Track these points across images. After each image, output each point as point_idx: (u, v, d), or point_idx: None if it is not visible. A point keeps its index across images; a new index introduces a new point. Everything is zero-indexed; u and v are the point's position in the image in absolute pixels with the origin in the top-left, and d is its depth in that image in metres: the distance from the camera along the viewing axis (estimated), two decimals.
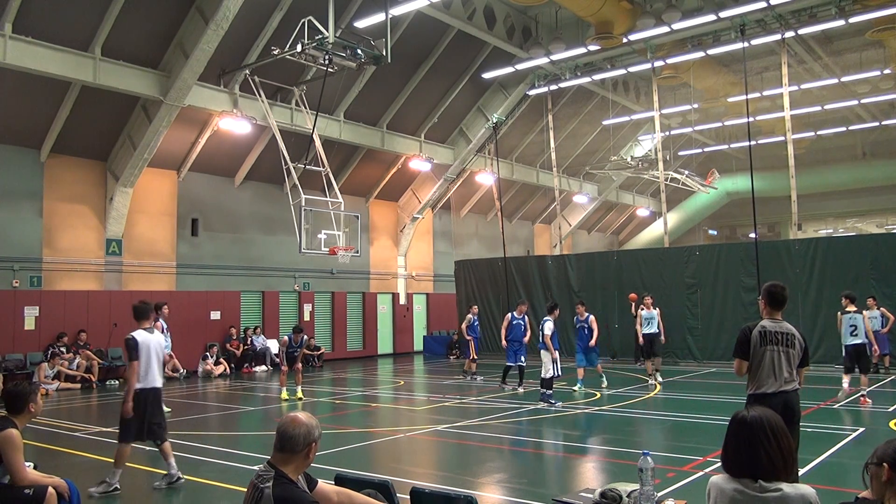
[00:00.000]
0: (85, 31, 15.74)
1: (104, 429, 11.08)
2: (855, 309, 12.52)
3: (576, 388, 14.63)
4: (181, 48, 16.66)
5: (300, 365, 14.90)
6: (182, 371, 18.83)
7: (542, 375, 13.12)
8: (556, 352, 13.25)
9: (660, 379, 15.66)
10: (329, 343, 23.90)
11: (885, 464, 2.56)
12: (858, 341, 12.31)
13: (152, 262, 19.77)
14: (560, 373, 13.47)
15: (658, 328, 15.73)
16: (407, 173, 25.69)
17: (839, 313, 12.83)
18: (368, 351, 25.36)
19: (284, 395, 14.47)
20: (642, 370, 17.02)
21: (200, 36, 15.99)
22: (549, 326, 13.25)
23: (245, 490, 3.36)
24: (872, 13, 19.11)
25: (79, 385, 16.77)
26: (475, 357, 17.77)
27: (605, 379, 15.26)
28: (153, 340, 7.68)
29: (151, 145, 17.74)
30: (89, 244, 18.51)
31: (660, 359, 16.28)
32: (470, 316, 18.54)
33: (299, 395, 14.39)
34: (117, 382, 17.31)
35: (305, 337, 15.75)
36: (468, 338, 18.11)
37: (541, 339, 13.48)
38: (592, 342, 14.99)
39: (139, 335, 7.55)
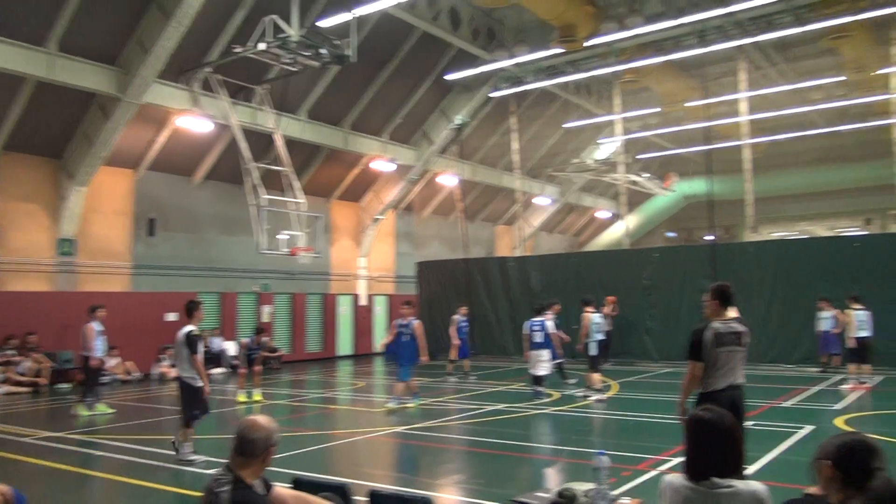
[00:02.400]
0: (41, 25, 15.34)
1: (52, 433, 10.82)
2: (861, 307, 14.37)
3: (392, 406, 12.75)
4: (140, 44, 16.35)
5: (259, 367, 14.75)
6: (136, 374, 18.47)
7: (535, 373, 13.88)
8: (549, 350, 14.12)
9: (580, 393, 13.71)
10: (288, 345, 23.68)
11: (828, 461, 2.63)
12: (866, 334, 14.20)
13: (107, 262, 19.35)
14: (551, 370, 14.27)
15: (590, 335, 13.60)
16: (369, 174, 25.60)
17: (850, 311, 14.68)
18: (328, 353, 25.18)
19: (242, 397, 14.28)
20: (605, 372, 15.51)
21: (160, 32, 15.72)
22: (551, 325, 14.14)
23: (201, 495, 3.32)
24: (827, 21, 19.62)
25: (28, 389, 16.31)
26: (454, 358, 17.75)
27: (399, 402, 12.84)
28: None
29: (108, 143, 17.37)
30: (42, 244, 18.03)
31: (596, 375, 13.59)
32: (457, 317, 18.11)
33: (257, 397, 14.23)
34: (70, 385, 16.88)
35: (266, 339, 15.59)
36: (457, 341, 17.71)
37: (542, 338, 14.09)
38: (425, 358, 13.02)
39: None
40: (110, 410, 13.05)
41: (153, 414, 13.49)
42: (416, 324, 13.10)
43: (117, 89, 16.59)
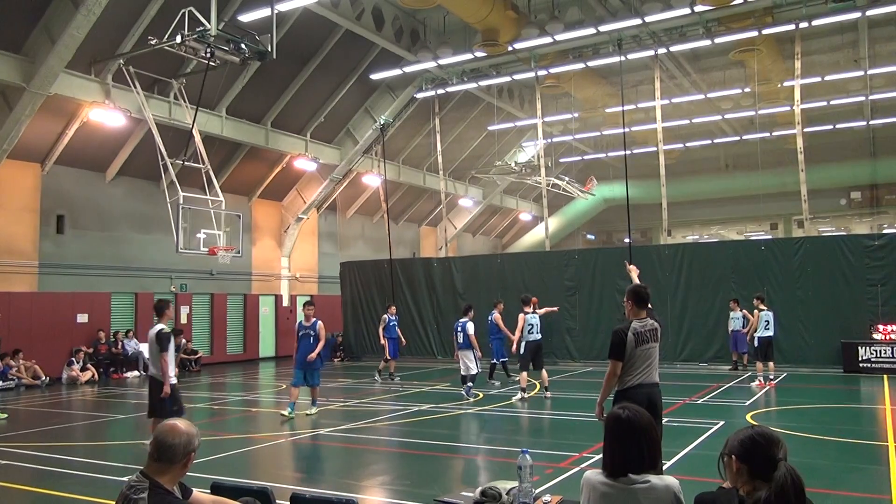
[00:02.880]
0: None
1: None
2: (765, 307, 15.09)
3: (286, 413, 12.09)
4: (47, 32, 15.56)
5: (176, 370, 14.26)
6: (44, 378, 17.58)
7: (466, 373, 14.21)
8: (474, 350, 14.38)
9: (546, 395, 13.79)
10: (207, 346, 23.03)
11: (732, 455, 2.76)
12: (770, 333, 14.92)
13: (11, 260, 18.33)
14: (479, 369, 14.55)
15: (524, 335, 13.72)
16: (292, 172, 25.18)
17: (756, 311, 15.22)
18: (249, 354, 24.62)
19: None
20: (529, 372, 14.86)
21: (69, 21, 15.00)
22: (471, 327, 14.44)
23: (114, 503, 3.20)
24: (735, 35, 20.59)
25: None
26: (388, 357, 17.65)
27: (303, 409, 12.36)
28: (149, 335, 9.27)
29: (11, 135, 16.46)
30: None
31: (524, 374, 13.73)
32: (386, 316, 18.04)
33: None
34: None
35: (184, 340, 15.12)
36: (384, 341, 17.62)
37: (463, 339, 14.45)
38: (313, 355, 12.25)
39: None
40: (2, 416, 12.41)
41: (60, 420, 12.87)
42: (320, 325, 12.53)
43: (22, 79, 15.74)
